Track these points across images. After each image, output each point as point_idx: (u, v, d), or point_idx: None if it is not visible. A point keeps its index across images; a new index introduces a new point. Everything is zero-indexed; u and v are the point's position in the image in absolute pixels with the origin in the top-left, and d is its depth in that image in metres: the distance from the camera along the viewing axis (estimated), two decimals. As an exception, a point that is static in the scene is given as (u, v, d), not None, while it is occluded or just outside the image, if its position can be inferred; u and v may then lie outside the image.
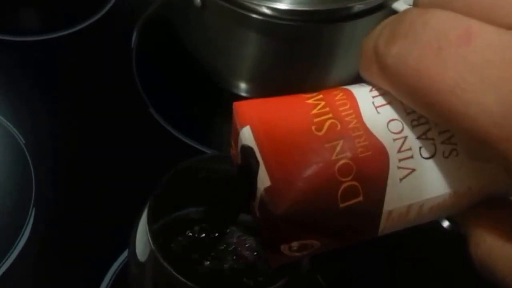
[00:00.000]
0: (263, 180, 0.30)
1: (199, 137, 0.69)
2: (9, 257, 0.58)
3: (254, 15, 0.62)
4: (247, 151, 0.31)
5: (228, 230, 0.43)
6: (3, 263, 0.58)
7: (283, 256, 0.32)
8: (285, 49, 0.66)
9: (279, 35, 0.64)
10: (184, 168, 0.43)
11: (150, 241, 0.39)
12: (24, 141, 0.66)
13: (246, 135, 0.31)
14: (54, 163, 0.66)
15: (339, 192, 0.29)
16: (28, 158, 0.65)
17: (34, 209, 0.62)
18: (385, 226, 0.31)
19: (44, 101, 0.71)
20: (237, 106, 0.33)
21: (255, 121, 0.31)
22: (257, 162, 0.30)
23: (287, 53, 0.67)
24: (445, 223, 0.66)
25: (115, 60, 0.76)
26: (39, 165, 0.65)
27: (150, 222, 0.40)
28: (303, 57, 0.67)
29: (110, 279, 0.59)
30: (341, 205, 0.29)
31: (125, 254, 0.60)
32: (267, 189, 0.30)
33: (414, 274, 0.64)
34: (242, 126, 0.32)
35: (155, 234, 0.40)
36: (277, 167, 0.30)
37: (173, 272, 0.38)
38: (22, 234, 0.60)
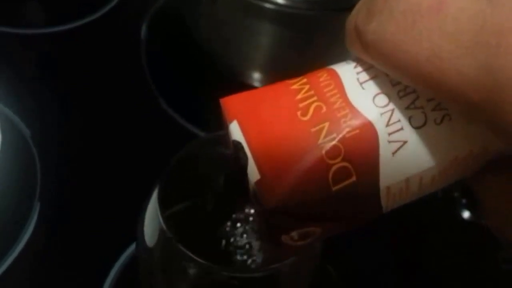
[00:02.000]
0: (253, 174, 0.30)
1: (210, 129, 0.67)
2: (14, 251, 0.58)
3: (267, 5, 0.61)
4: (236, 146, 0.31)
5: (239, 210, 0.42)
6: (8, 257, 0.57)
7: (287, 246, 0.32)
8: (299, 39, 0.66)
9: (293, 25, 0.64)
10: (192, 149, 0.43)
11: (162, 221, 0.39)
12: (29, 133, 0.65)
13: (234, 130, 0.31)
14: (60, 156, 0.65)
15: (330, 175, 0.29)
16: (34, 150, 0.64)
17: (39, 203, 0.61)
18: (387, 203, 0.30)
19: (51, 93, 0.70)
20: (224, 102, 0.32)
21: (242, 115, 0.31)
22: (247, 157, 0.30)
23: (301, 43, 0.66)
24: (465, 214, 0.64)
25: (124, 52, 0.74)
26: (45, 157, 0.64)
27: (161, 202, 0.40)
28: (318, 46, 0.67)
29: (116, 273, 0.58)
30: (334, 189, 0.29)
31: (132, 247, 0.59)
32: (257, 183, 0.30)
33: (430, 266, 0.63)
34: (230, 122, 0.31)
35: (165, 216, 0.39)
36: (265, 160, 0.30)
37: (187, 252, 0.38)
38: (27, 228, 0.59)
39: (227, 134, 0.33)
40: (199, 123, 0.69)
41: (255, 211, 0.31)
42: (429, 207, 0.65)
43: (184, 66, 0.74)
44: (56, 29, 0.74)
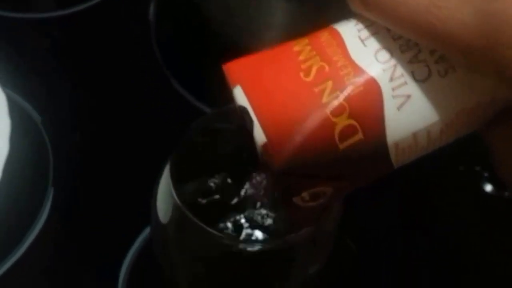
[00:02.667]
0: (259, 137, 0.30)
1: (220, 106, 0.67)
2: (28, 236, 0.57)
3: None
4: (242, 111, 0.31)
5: (251, 180, 0.42)
6: (23, 243, 0.57)
7: (300, 208, 0.32)
8: (313, 16, 0.65)
9: (306, 1, 0.63)
10: (203, 123, 0.43)
11: (175, 195, 0.39)
12: (40, 119, 0.64)
13: (238, 95, 0.31)
14: (72, 141, 0.65)
15: (336, 133, 0.29)
16: (45, 136, 0.63)
17: (52, 188, 0.60)
18: (397, 159, 0.31)
19: (61, 78, 0.69)
20: (226, 67, 0.33)
21: (245, 80, 0.32)
22: (252, 121, 0.30)
23: (314, 20, 0.65)
24: (488, 187, 0.63)
25: (133, 34, 0.74)
26: (56, 143, 0.63)
27: (173, 176, 0.39)
28: (332, 23, 0.65)
29: (133, 256, 0.57)
30: (341, 147, 0.29)
31: (146, 232, 0.58)
32: (264, 146, 0.30)
33: (452, 240, 0.62)
34: (234, 87, 0.32)
35: (178, 190, 0.39)
36: (270, 122, 0.30)
37: (201, 224, 0.38)
38: (41, 214, 0.59)
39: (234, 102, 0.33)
40: (209, 101, 0.68)
41: (265, 174, 0.32)
42: (452, 180, 0.64)
43: (195, 45, 0.73)
44: (64, 12, 0.74)
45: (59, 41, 0.72)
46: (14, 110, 0.60)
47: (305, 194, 0.31)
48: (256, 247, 0.39)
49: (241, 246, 0.39)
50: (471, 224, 0.63)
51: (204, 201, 0.41)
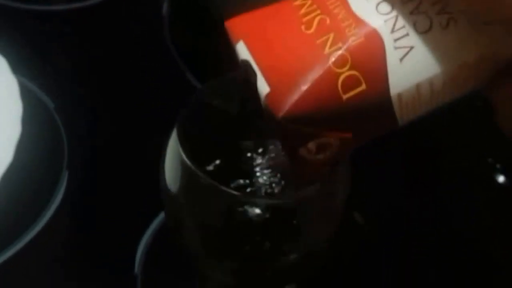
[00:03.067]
0: (263, 88, 0.31)
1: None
2: (42, 219, 0.57)
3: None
4: (245, 64, 0.32)
5: (258, 139, 0.43)
6: (37, 225, 0.57)
7: (308, 162, 0.33)
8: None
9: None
10: (210, 87, 0.44)
11: (183, 153, 0.38)
12: (53, 105, 0.65)
13: (241, 50, 0.32)
14: (85, 126, 0.65)
15: (339, 84, 0.30)
16: (58, 121, 0.64)
17: (67, 171, 0.60)
18: (401, 112, 0.31)
19: (74, 67, 0.70)
20: (228, 24, 0.33)
21: (247, 35, 0.32)
22: (255, 73, 0.31)
23: None
24: (500, 179, 0.63)
25: (146, 26, 0.74)
26: (70, 128, 0.63)
27: (181, 137, 0.40)
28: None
29: (149, 238, 0.57)
30: (345, 97, 0.30)
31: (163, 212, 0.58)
32: (267, 96, 0.31)
33: (466, 232, 0.62)
34: (237, 42, 0.32)
35: (187, 151, 0.39)
36: (273, 73, 0.31)
37: (211, 181, 0.37)
38: (56, 196, 0.59)
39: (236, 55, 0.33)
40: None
41: (271, 127, 0.31)
42: (465, 172, 0.65)
43: (209, 38, 0.73)
44: (78, 5, 0.74)
45: (73, 32, 0.73)
46: (28, 98, 0.60)
47: (311, 145, 0.32)
48: (266, 202, 0.39)
49: (250, 201, 0.39)
50: (484, 216, 0.62)
51: (212, 160, 0.42)
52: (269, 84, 0.30)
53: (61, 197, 0.58)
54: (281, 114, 0.30)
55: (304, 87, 0.29)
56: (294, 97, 0.30)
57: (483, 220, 0.62)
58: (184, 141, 0.39)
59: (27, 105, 0.59)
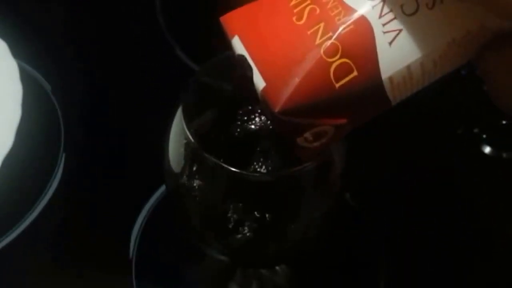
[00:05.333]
0: (259, 82, 0.31)
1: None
2: (41, 200, 0.58)
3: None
4: (241, 59, 0.32)
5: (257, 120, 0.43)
6: (35, 208, 0.58)
7: (305, 148, 0.33)
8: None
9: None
10: (209, 67, 0.43)
11: (186, 130, 0.39)
12: (50, 88, 0.65)
13: (236, 45, 0.33)
14: (81, 108, 0.66)
15: (331, 73, 0.30)
16: (56, 104, 0.64)
17: (64, 153, 0.61)
18: (393, 93, 0.32)
19: (69, 48, 0.70)
20: (223, 20, 0.34)
21: (241, 30, 0.33)
22: (251, 68, 0.32)
23: None
24: (487, 149, 0.64)
25: (138, 3, 0.75)
26: (67, 111, 0.64)
27: (185, 115, 0.40)
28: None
29: (144, 219, 0.58)
30: (338, 85, 0.30)
31: (157, 194, 0.59)
32: (263, 90, 0.31)
33: (453, 202, 0.63)
34: (232, 37, 0.33)
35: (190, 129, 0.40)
36: (268, 67, 0.31)
37: (213, 158, 0.38)
38: (53, 179, 0.60)
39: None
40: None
41: (269, 118, 0.33)
42: (450, 143, 0.65)
43: (200, 14, 0.73)
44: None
45: (68, 14, 0.73)
46: (26, 80, 0.61)
47: (307, 135, 0.32)
48: (265, 178, 0.40)
49: (252, 178, 0.40)
50: (471, 186, 0.63)
51: (214, 140, 0.42)
52: (264, 79, 0.31)
53: (59, 180, 0.60)
54: (277, 109, 0.31)
55: (298, 80, 0.30)
56: (288, 91, 0.30)
57: (470, 190, 0.63)
58: (189, 122, 0.40)
59: (24, 88, 0.60)
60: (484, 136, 0.65)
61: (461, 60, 0.32)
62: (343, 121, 0.32)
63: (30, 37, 0.69)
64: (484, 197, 0.63)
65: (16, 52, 0.63)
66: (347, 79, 0.30)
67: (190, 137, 0.39)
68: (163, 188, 0.59)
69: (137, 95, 0.68)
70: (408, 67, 0.31)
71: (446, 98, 0.65)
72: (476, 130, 0.65)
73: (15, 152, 0.57)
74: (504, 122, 0.65)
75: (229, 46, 0.34)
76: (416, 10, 0.30)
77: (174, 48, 0.71)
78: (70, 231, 0.58)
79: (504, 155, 0.64)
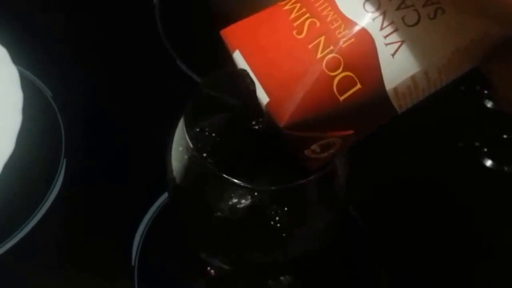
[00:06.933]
0: (262, 97, 0.31)
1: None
2: (41, 208, 0.58)
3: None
4: (243, 74, 0.32)
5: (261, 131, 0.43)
6: (36, 214, 0.58)
7: (313, 159, 0.34)
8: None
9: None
10: (213, 79, 0.43)
11: (188, 139, 0.39)
12: (51, 94, 0.65)
13: (238, 59, 0.33)
14: (82, 115, 0.65)
15: (334, 86, 0.30)
16: (56, 110, 0.64)
17: (65, 159, 0.61)
18: (399, 103, 0.32)
19: (69, 55, 0.70)
20: (224, 33, 0.34)
21: (242, 44, 0.33)
22: (254, 82, 0.32)
23: None
24: (488, 163, 0.64)
25: (138, 14, 0.75)
26: (67, 116, 0.64)
27: (188, 125, 0.40)
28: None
29: (146, 226, 0.58)
30: (342, 98, 0.30)
31: (160, 200, 0.59)
32: (268, 105, 0.31)
33: (454, 215, 0.62)
34: (233, 52, 0.33)
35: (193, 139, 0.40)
36: (271, 82, 0.31)
37: (215, 169, 0.38)
38: (54, 185, 0.59)
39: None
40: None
41: (275, 130, 0.32)
42: (452, 156, 0.65)
43: (199, 25, 0.74)
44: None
45: (69, 22, 0.73)
46: (26, 87, 0.61)
47: (315, 147, 0.33)
48: (269, 190, 0.40)
49: (256, 189, 0.40)
50: (472, 199, 0.63)
51: (217, 149, 0.42)
52: (268, 94, 0.31)
53: (60, 186, 0.59)
54: (282, 124, 0.31)
55: (301, 95, 0.30)
56: (293, 106, 0.30)
57: (471, 204, 0.63)
58: (191, 133, 0.40)
59: (25, 94, 0.60)
60: (485, 149, 0.65)
61: (467, 67, 0.32)
62: (350, 132, 0.32)
63: (30, 43, 0.69)
64: (485, 210, 0.63)
65: (17, 58, 0.63)
66: (351, 92, 0.30)
67: (191, 146, 0.39)
68: (165, 194, 0.58)
69: (138, 101, 0.67)
70: (413, 77, 0.31)
71: (447, 112, 0.65)
72: (477, 144, 0.65)
73: (16, 158, 0.56)
74: (505, 136, 0.66)
75: (230, 59, 0.34)
76: (418, 21, 0.30)
77: (174, 57, 0.71)
78: (71, 237, 0.58)
79: (505, 168, 0.64)
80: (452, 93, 0.34)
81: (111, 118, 0.66)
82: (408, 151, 0.65)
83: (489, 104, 0.66)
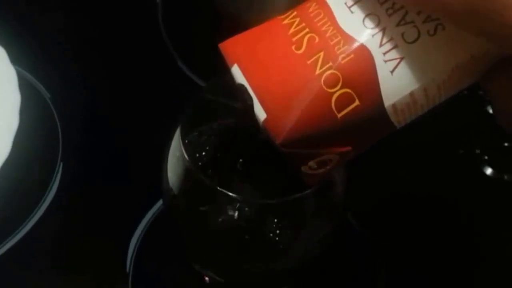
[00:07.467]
0: (260, 113, 0.31)
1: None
2: (37, 211, 0.58)
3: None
4: (241, 88, 0.32)
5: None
6: (32, 218, 0.57)
7: (310, 175, 0.33)
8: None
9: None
10: (211, 88, 0.44)
11: (184, 152, 0.39)
12: (49, 96, 0.65)
13: (236, 74, 0.32)
14: (80, 117, 0.65)
15: (333, 103, 0.30)
16: (54, 112, 0.64)
17: (61, 163, 0.61)
18: (398, 119, 0.31)
19: (69, 56, 0.70)
20: (222, 47, 0.33)
21: (241, 59, 0.32)
22: (251, 97, 0.31)
23: None
24: (488, 171, 0.64)
25: (140, 14, 0.74)
26: (65, 119, 0.64)
27: (183, 134, 0.40)
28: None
29: (142, 232, 0.58)
30: (340, 115, 0.30)
31: (157, 206, 0.59)
32: (265, 121, 0.31)
33: (453, 223, 0.62)
34: (231, 66, 0.32)
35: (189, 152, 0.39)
36: (269, 98, 0.31)
37: (210, 183, 0.38)
38: (51, 188, 0.59)
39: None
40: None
41: (272, 146, 0.32)
42: (452, 163, 0.65)
43: (202, 26, 0.73)
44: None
45: (68, 22, 0.73)
46: (24, 87, 0.61)
47: (312, 163, 0.32)
48: (264, 203, 0.40)
49: (252, 203, 0.40)
50: (472, 207, 0.63)
51: (213, 162, 0.42)
52: (265, 110, 0.31)
53: (56, 189, 0.59)
54: (279, 141, 0.30)
55: (299, 112, 0.30)
56: (290, 123, 0.30)
57: (471, 212, 0.63)
58: (187, 144, 0.40)
59: (23, 95, 0.59)
60: (486, 157, 0.65)
61: (467, 83, 0.32)
62: (347, 148, 0.32)
63: (29, 44, 0.69)
64: (485, 218, 0.62)
65: (16, 59, 0.62)
66: (349, 108, 0.30)
67: (187, 158, 0.39)
68: (161, 201, 0.58)
69: (137, 105, 0.67)
70: (412, 94, 0.30)
71: (448, 119, 0.65)
72: (477, 151, 0.65)
73: (12, 160, 0.56)
74: (505, 144, 0.65)
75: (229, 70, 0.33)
76: (417, 38, 0.30)
77: (175, 58, 0.70)
78: (66, 242, 0.57)
79: (505, 177, 0.64)
80: (452, 103, 0.33)
81: (110, 122, 0.66)
82: (408, 158, 0.65)
83: (491, 110, 0.65)
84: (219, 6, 0.70)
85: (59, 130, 0.63)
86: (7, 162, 0.55)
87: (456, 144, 0.66)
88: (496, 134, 0.65)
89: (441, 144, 0.66)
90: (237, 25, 0.67)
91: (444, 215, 0.62)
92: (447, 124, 0.65)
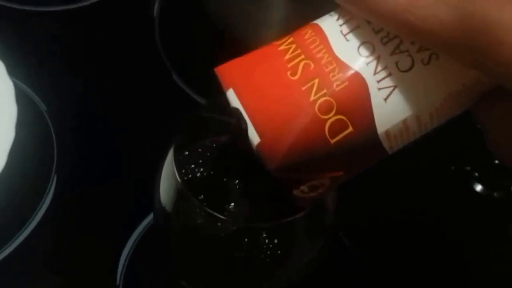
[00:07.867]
0: (254, 137, 0.31)
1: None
2: (31, 222, 0.58)
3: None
4: (235, 112, 0.32)
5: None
6: (25, 229, 0.58)
7: (301, 198, 0.33)
8: (312, 11, 0.65)
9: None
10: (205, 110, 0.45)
11: (177, 174, 0.39)
12: (45, 108, 0.65)
13: (231, 98, 0.32)
14: (76, 129, 0.66)
15: (326, 130, 0.30)
16: (50, 124, 0.64)
17: (55, 175, 0.61)
18: (390, 145, 0.32)
19: (65, 69, 0.70)
20: (218, 71, 0.33)
21: (236, 83, 0.32)
22: (246, 122, 0.31)
23: (313, 15, 0.65)
24: (478, 187, 0.64)
25: (136, 29, 0.75)
26: (61, 131, 0.64)
27: (176, 151, 0.40)
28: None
29: (133, 245, 0.58)
30: (333, 141, 0.30)
31: (148, 217, 0.59)
32: (258, 146, 0.31)
33: (444, 239, 0.63)
34: (227, 90, 0.33)
35: (181, 175, 0.40)
36: (263, 123, 0.31)
37: (202, 206, 0.38)
38: (44, 200, 0.60)
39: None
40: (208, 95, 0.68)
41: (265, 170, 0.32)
42: (442, 180, 0.65)
43: (198, 41, 0.74)
44: (71, 6, 0.74)
45: (65, 34, 0.73)
46: (21, 99, 0.61)
47: (303, 187, 0.33)
48: (255, 227, 0.41)
49: (243, 226, 0.40)
50: (462, 224, 0.63)
51: (206, 185, 0.42)
52: (259, 134, 0.31)
53: (49, 202, 0.60)
54: (272, 166, 0.31)
55: (293, 138, 0.30)
56: (283, 148, 0.30)
57: (461, 228, 0.63)
58: (179, 164, 0.40)
59: (19, 107, 0.60)
60: (476, 174, 0.65)
61: (458, 111, 0.32)
62: (339, 173, 0.32)
63: (26, 57, 0.69)
64: (475, 235, 0.63)
65: (13, 71, 0.63)
66: (342, 135, 0.30)
67: (179, 180, 0.39)
68: (151, 215, 0.58)
69: (132, 118, 0.67)
70: (404, 121, 0.31)
71: (439, 137, 0.65)
72: (468, 168, 0.65)
73: (7, 171, 0.56)
74: (496, 161, 0.66)
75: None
76: (411, 67, 0.30)
77: (170, 71, 0.71)
78: (58, 254, 0.58)
79: (495, 194, 0.64)
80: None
81: (104, 137, 0.66)
82: (399, 176, 0.65)
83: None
84: (216, 21, 0.70)
85: (54, 142, 0.63)
86: (3, 173, 0.56)
87: (447, 161, 0.66)
88: (486, 151, 0.65)
89: (432, 161, 0.66)
90: (233, 39, 0.68)
91: (434, 232, 0.63)
92: (437, 142, 0.65)
